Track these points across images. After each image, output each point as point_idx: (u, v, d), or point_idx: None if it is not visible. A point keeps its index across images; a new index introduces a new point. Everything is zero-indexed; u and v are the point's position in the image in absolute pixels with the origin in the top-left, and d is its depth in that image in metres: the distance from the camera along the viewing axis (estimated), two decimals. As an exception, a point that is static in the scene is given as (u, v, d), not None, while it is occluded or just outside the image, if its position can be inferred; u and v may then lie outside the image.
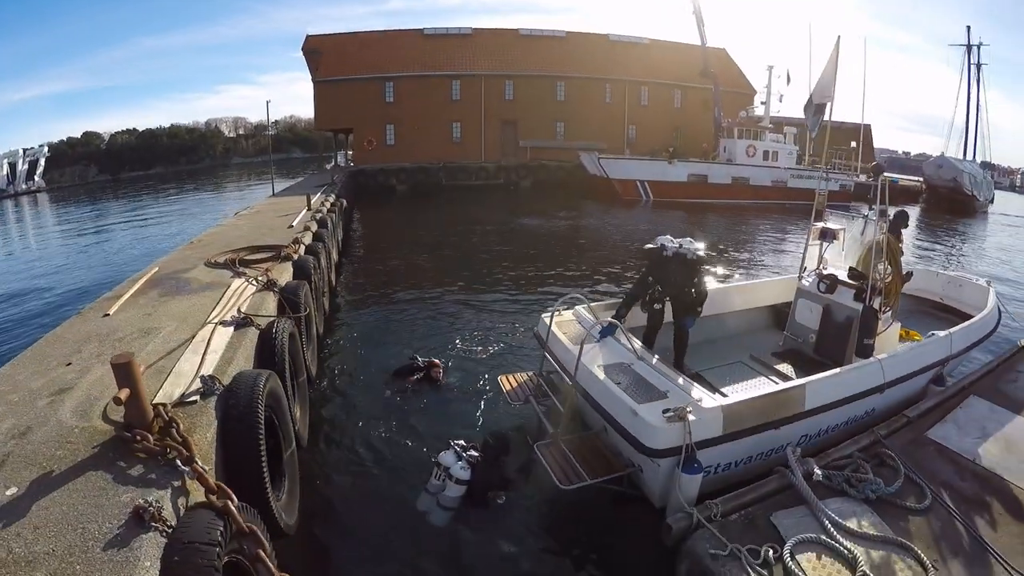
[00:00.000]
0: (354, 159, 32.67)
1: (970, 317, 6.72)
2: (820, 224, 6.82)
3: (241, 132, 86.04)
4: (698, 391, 4.44)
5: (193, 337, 4.60)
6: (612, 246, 16.49)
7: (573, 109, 31.44)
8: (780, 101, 29.48)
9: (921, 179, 39.78)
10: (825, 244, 6.81)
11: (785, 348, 6.65)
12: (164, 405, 3.23)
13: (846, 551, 3.32)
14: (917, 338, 6.31)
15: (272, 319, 5.16)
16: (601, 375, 4.70)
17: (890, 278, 5.77)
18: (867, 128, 33.27)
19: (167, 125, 75.88)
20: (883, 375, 5.06)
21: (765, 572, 3.23)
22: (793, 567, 3.24)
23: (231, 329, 4.86)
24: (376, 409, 6.21)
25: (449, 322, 9.24)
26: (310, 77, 32.08)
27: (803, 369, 5.88)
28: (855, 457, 4.27)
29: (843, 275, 6.21)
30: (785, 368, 6.09)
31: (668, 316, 5.73)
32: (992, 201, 39.50)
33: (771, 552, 3.34)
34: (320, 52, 31.89)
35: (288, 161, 69.48)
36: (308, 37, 33.51)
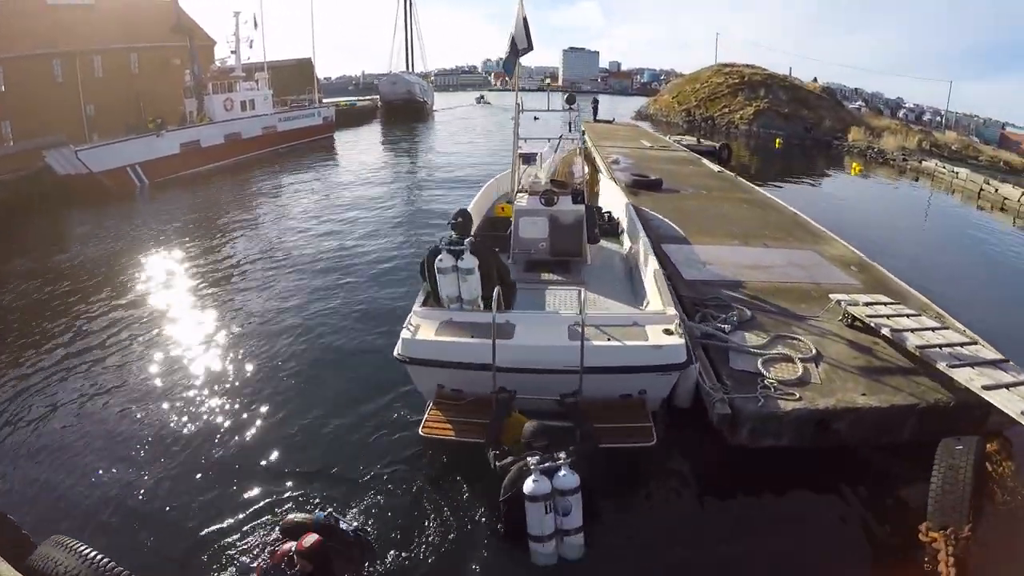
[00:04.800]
0: None
1: None
2: (520, 151, 8.31)
3: None
4: (646, 309, 6.03)
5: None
6: (165, 257, 12.73)
7: (17, 100, 21.55)
8: (251, 47, 28.59)
9: (377, 96, 47.65)
10: (524, 167, 8.28)
11: (523, 262, 7.53)
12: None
13: (777, 353, 6.09)
14: None
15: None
16: (598, 342, 5.20)
17: (589, 178, 8.41)
18: (310, 62, 36.11)
19: None
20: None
21: (775, 389, 5.59)
22: (778, 375, 5.72)
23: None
24: None
25: (205, 436, 6.11)
26: None
27: (557, 269, 7.39)
28: (704, 310, 7.05)
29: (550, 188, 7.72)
30: (548, 276, 7.36)
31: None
32: (434, 103, 52.10)
33: (763, 379, 5.72)
34: None
35: None
36: None
